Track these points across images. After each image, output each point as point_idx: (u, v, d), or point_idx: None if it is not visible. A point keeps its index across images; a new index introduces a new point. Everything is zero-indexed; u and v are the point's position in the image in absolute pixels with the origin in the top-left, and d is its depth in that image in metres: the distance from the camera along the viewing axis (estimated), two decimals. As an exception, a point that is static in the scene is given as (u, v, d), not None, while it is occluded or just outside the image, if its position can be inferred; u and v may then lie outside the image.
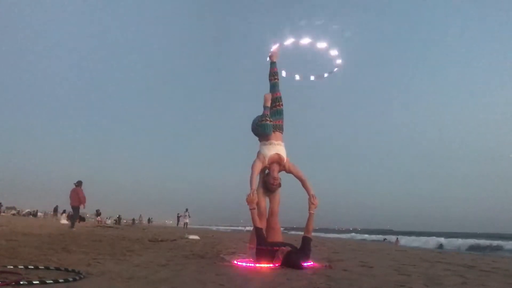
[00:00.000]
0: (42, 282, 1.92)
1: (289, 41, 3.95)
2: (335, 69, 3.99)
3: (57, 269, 2.45)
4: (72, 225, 10.09)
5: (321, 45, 3.92)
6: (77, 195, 10.16)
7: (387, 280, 2.54)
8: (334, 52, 3.93)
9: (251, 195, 3.32)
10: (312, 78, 4.06)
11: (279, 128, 3.68)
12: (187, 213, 22.25)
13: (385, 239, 22.48)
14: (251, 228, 3.58)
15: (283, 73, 4.02)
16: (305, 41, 3.90)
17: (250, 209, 3.32)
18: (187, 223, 22.22)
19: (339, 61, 3.95)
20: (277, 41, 4.02)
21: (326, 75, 4.05)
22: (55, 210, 24.64)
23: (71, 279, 2.03)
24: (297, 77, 4.06)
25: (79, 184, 10.37)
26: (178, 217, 30.77)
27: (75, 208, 10.40)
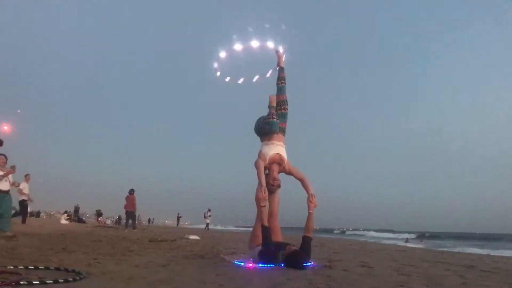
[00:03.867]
0: (42, 282, 1.92)
1: (238, 47, 4.07)
2: (276, 66, 4.05)
3: (57, 269, 2.45)
4: (133, 227, 11.67)
5: (270, 45, 4.06)
6: (131, 202, 11.74)
7: (387, 280, 2.54)
8: (271, 45, 4.04)
9: (262, 192, 3.30)
10: (255, 78, 4.08)
11: (282, 131, 3.70)
12: (209, 213, 20.74)
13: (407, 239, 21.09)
14: None
15: (227, 79, 4.09)
16: (255, 44, 4.05)
17: (261, 206, 3.30)
18: (208, 223, 20.86)
19: (280, 51, 4.04)
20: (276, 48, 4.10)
21: (269, 72, 4.08)
22: (77, 211, 24.08)
23: (71, 279, 2.03)
24: (240, 80, 4.09)
25: (132, 192, 11.94)
26: (178, 218, 30.59)
27: (130, 213, 11.91)
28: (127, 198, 11.94)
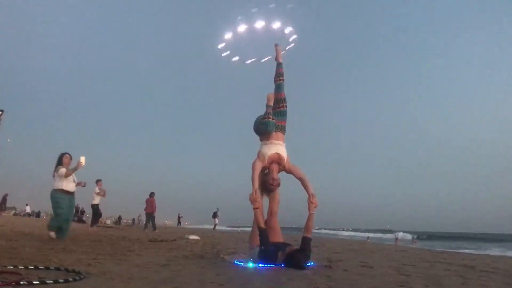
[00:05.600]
0: (42, 282, 1.92)
1: (242, 28, 4.08)
2: (291, 45, 4.12)
3: (57, 269, 2.45)
4: (154, 228, 12.01)
5: (276, 25, 4.09)
6: (151, 204, 12.35)
7: (387, 280, 2.54)
8: (288, 29, 4.08)
9: (254, 194, 3.31)
10: (267, 58, 4.14)
11: (281, 129, 3.67)
12: (218, 213, 20.34)
13: (368, 237, 22.61)
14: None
15: (236, 58, 4.15)
16: (259, 24, 4.06)
17: (254, 209, 3.31)
18: (216, 224, 20.44)
19: (293, 37, 4.09)
20: (275, 43, 4.09)
21: (287, 48, 4.13)
22: (77, 211, 24.35)
23: (71, 279, 2.03)
24: (250, 60, 4.17)
25: (153, 194, 12.54)
26: (179, 218, 30.61)
27: (149, 214, 12.45)
28: (147, 201, 12.44)
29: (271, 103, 3.74)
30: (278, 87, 3.87)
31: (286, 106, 3.79)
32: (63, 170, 5.18)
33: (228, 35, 4.10)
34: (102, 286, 1.99)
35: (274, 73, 3.99)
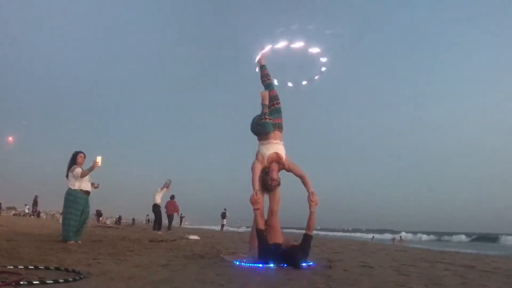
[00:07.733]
0: (42, 282, 1.92)
1: (280, 45, 3.99)
2: (322, 69, 4.02)
3: (57, 269, 2.45)
4: (169, 228, 12.90)
5: (301, 45, 3.97)
6: (173, 206, 13.17)
7: (387, 280, 2.54)
8: (316, 51, 3.97)
9: (255, 195, 3.32)
10: (304, 83, 4.12)
11: (278, 127, 3.66)
12: (226, 213, 20.01)
13: (373, 237, 23.38)
14: None
15: (275, 82, 4.07)
16: (296, 44, 3.96)
17: (254, 210, 3.32)
18: (224, 225, 20.12)
19: (324, 60, 3.99)
20: (266, 44, 4.06)
21: (316, 77, 4.08)
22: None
23: (71, 279, 2.03)
24: (290, 84, 4.13)
25: (173, 197, 13.32)
26: (181, 218, 30.65)
27: (171, 216, 13.40)
28: (168, 203, 13.08)
29: (267, 102, 3.71)
30: (268, 86, 3.88)
31: (279, 103, 3.79)
32: (79, 170, 4.96)
33: (267, 47, 4.02)
34: (102, 286, 1.99)
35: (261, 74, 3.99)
